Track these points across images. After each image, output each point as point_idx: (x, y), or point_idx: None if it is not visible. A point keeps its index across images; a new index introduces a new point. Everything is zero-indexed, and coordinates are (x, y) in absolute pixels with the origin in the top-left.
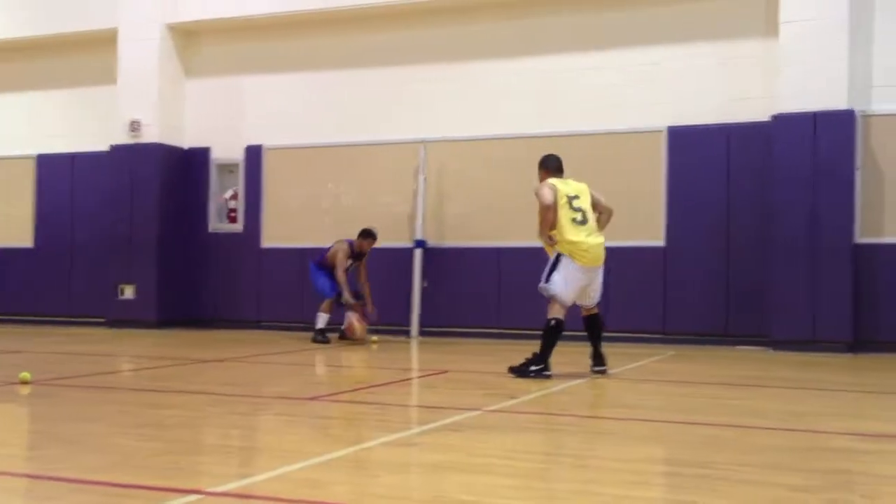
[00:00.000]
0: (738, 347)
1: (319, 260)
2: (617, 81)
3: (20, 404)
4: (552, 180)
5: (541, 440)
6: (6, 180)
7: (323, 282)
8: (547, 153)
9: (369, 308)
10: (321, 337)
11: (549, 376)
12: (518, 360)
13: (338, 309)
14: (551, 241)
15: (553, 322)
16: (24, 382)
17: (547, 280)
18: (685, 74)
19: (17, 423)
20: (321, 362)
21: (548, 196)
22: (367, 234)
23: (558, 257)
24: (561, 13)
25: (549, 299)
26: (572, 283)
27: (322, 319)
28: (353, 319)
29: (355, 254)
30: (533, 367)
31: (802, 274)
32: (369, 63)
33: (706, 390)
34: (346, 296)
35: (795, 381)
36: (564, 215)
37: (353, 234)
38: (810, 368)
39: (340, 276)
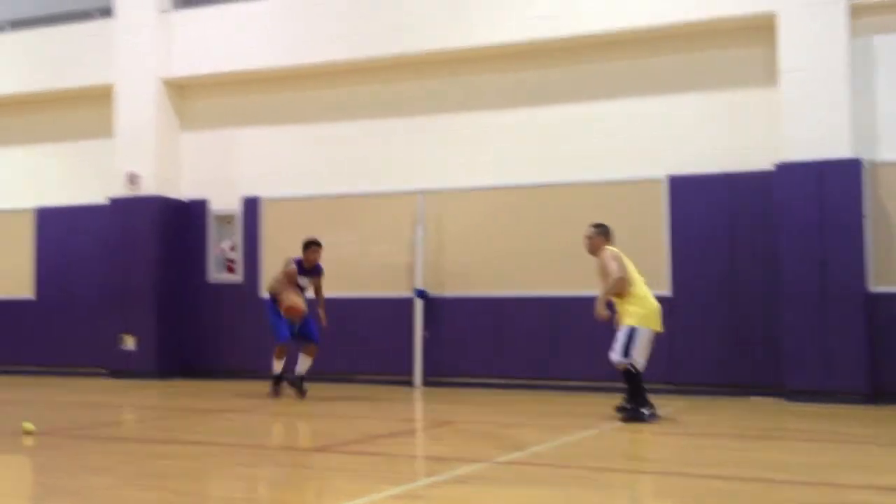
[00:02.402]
0: (751, 398)
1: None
2: (616, 131)
3: (24, 455)
4: (613, 248)
5: (551, 494)
6: (6, 233)
7: (275, 320)
8: (601, 222)
9: (323, 319)
10: (275, 390)
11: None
12: (523, 410)
13: (293, 353)
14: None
15: (633, 369)
16: (28, 433)
17: (626, 355)
18: (685, 123)
19: (20, 475)
20: (324, 413)
21: (617, 268)
22: (309, 244)
23: (633, 331)
24: (559, 64)
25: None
26: (646, 349)
27: (276, 366)
28: (293, 297)
29: (306, 270)
30: (644, 410)
31: (814, 323)
32: (366, 114)
33: (721, 442)
34: (278, 289)
35: (812, 432)
36: (638, 280)
37: (354, 285)
38: (827, 420)
39: (280, 288)
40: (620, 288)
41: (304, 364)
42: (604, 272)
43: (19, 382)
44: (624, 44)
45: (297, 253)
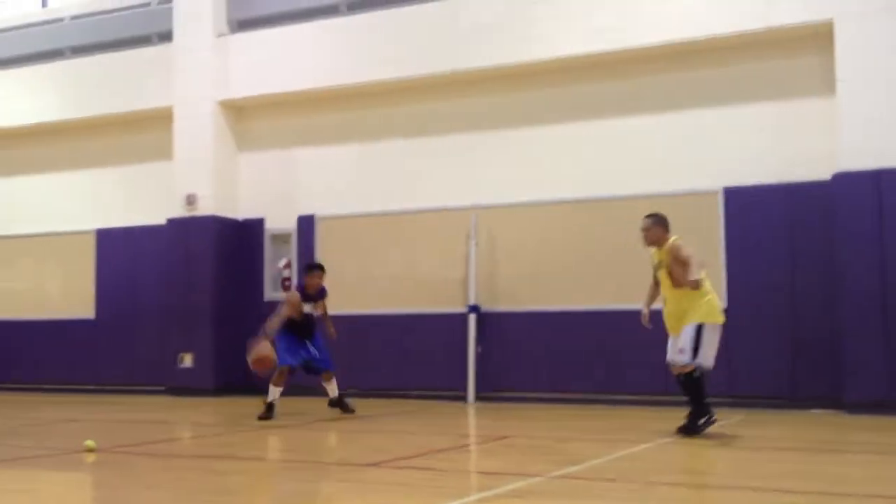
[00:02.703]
0: (811, 411)
1: None
2: (671, 143)
3: (86, 472)
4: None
5: None
6: (68, 254)
7: (282, 345)
8: (656, 211)
9: (332, 334)
10: (266, 416)
11: (715, 420)
12: (577, 425)
13: (307, 376)
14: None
15: (697, 373)
16: (90, 450)
17: (695, 356)
18: (741, 134)
19: (82, 491)
20: (378, 428)
21: (694, 253)
22: (309, 268)
23: (700, 328)
24: (612, 77)
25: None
26: (716, 344)
27: (273, 392)
28: (264, 349)
29: (310, 296)
30: (700, 421)
31: (875, 334)
32: (418, 132)
33: (780, 455)
34: (271, 326)
35: (875, 444)
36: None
37: (407, 301)
38: (889, 432)
39: (276, 318)
40: (697, 277)
41: (331, 388)
42: (676, 262)
43: (80, 401)
44: (679, 56)
45: (352, 268)
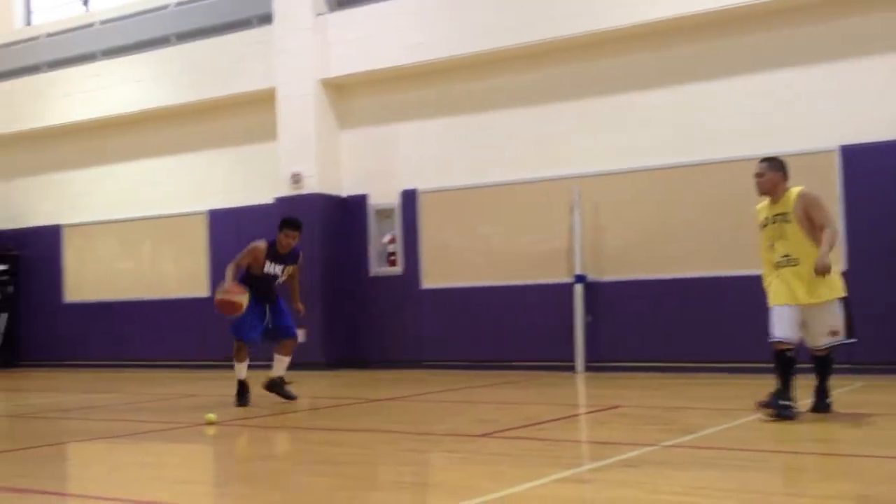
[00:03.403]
0: None
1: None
2: (783, 102)
3: (206, 444)
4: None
5: (724, 476)
6: (182, 236)
7: (240, 316)
8: (774, 156)
9: (300, 309)
10: (241, 399)
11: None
12: (689, 393)
13: (266, 348)
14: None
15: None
16: (210, 423)
17: (850, 333)
18: (855, 90)
19: (204, 462)
20: (488, 399)
21: (830, 214)
22: (284, 224)
23: (847, 300)
24: (716, 37)
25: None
26: None
27: (239, 370)
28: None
29: (279, 255)
30: (828, 400)
31: None
32: (517, 103)
33: None
34: (227, 283)
35: None
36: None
37: (513, 273)
38: None
39: (230, 267)
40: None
41: (281, 365)
42: (810, 216)
43: (196, 376)
44: (789, 11)
45: (456, 241)
